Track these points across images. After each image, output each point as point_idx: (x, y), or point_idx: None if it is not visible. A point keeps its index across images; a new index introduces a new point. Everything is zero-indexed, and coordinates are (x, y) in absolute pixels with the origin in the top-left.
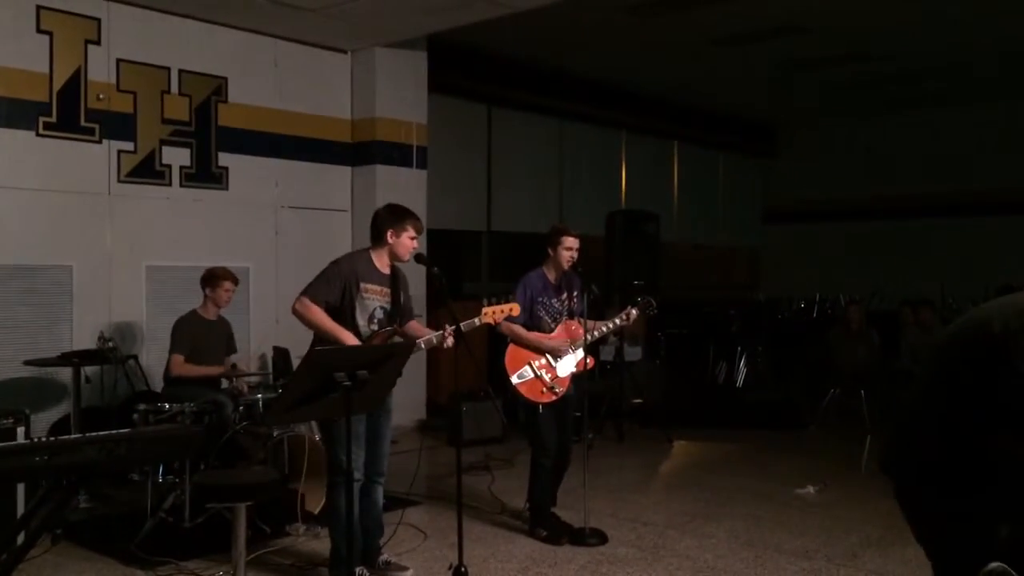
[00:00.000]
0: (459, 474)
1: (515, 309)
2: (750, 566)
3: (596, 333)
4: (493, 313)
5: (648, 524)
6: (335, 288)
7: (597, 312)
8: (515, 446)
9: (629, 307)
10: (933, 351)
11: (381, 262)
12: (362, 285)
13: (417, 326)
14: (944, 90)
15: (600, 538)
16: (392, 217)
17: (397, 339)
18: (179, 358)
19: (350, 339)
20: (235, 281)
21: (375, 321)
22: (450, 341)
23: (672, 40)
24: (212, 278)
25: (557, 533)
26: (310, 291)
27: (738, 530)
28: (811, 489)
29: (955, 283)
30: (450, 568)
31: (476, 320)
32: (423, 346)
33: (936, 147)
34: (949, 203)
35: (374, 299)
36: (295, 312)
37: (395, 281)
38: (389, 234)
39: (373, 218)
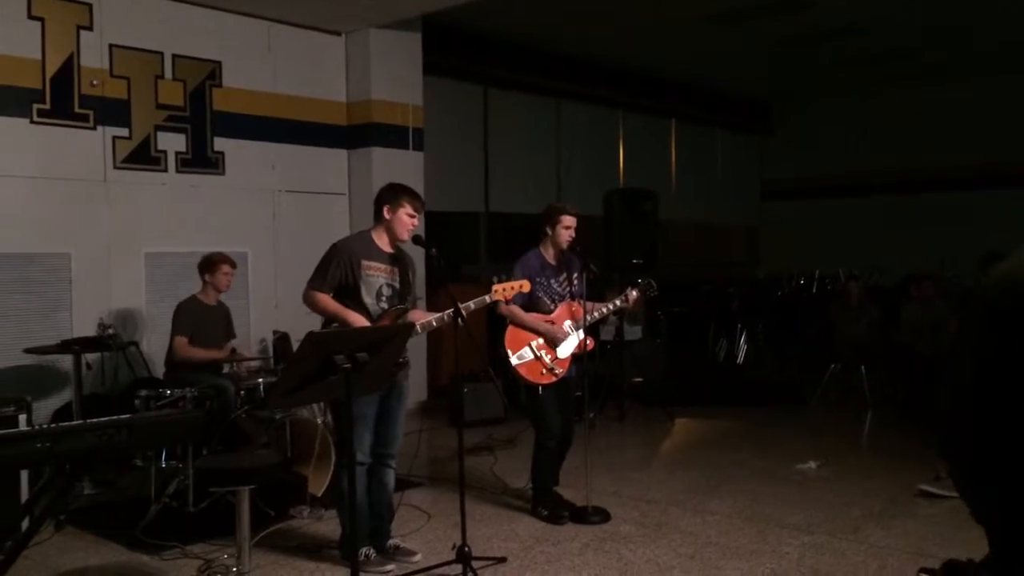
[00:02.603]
0: (461, 455)
1: (525, 286)
2: (752, 541)
3: (596, 314)
4: (503, 290)
5: (650, 501)
6: (336, 271)
7: (596, 291)
8: (517, 426)
9: (629, 288)
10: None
11: (382, 241)
12: (363, 263)
13: (418, 312)
14: (942, 64)
15: (603, 516)
16: (389, 193)
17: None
18: (182, 340)
19: (357, 320)
20: (232, 264)
21: (383, 299)
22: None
23: (668, 17)
24: (209, 264)
25: (559, 512)
26: (313, 281)
27: (740, 506)
28: (812, 464)
29: (955, 257)
30: (453, 548)
31: (486, 297)
32: (420, 330)
33: (934, 122)
34: (948, 177)
35: (378, 276)
36: (304, 303)
37: (400, 261)
38: (385, 210)
39: (376, 195)
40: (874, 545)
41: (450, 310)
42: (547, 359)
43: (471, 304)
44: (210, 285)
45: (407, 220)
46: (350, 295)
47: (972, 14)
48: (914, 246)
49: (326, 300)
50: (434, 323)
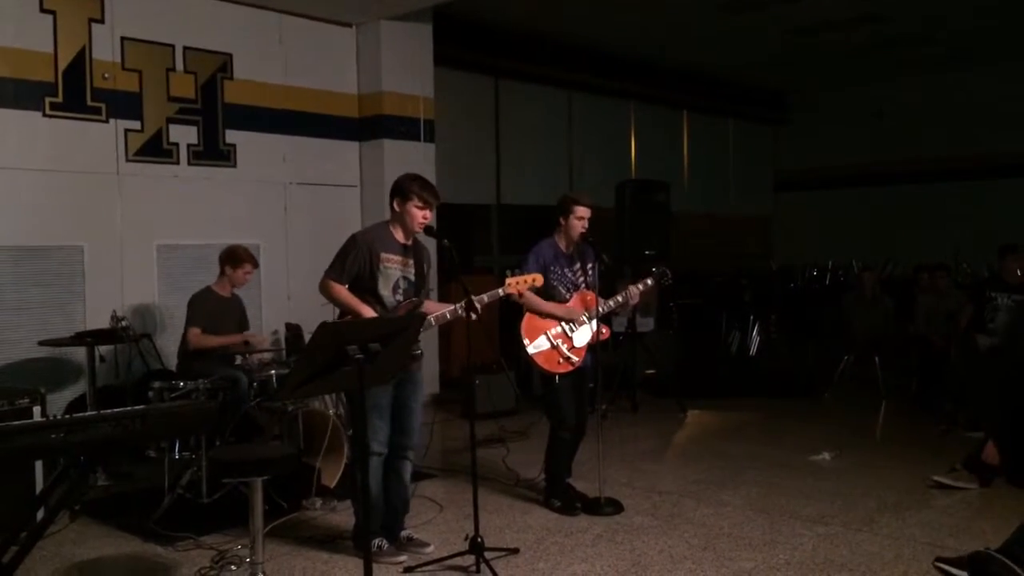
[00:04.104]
0: (473, 446)
1: (539, 279)
2: (766, 532)
3: (611, 303)
4: (516, 284)
5: (663, 493)
6: (354, 262)
7: (608, 282)
8: (529, 418)
9: (641, 279)
10: None
11: (399, 233)
12: (381, 255)
13: (430, 303)
14: (955, 52)
15: (615, 507)
16: (398, 186)
17: (429, 320)
18: (196, 330)
19: (370, 315)
20: (255, 265)
21: (400, 291)
22: (477, 311)
23: (680, 6)
24: (234, 258)
25: (571, 503)
26: (330, 271)
27: (753, 497)
28: (826, 456)
29: (969, 248)
30: (466, 539)
31: (499, 291)
32: (434, 323)
33: (950, 111)
34: (963, 167)
35: (395, 269)
36: (320, 291)
37: (417, 253)
38: (396, 203)
39: (391, 189)
40: (889, 536)
41: (454, 306)
42: (564, 348)
43: (484, 297)
44: (227, 278)
45: (416, 212)
46: (367, 287)
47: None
48: (928, 237)
49: (342, 291)
50: (448, 315)
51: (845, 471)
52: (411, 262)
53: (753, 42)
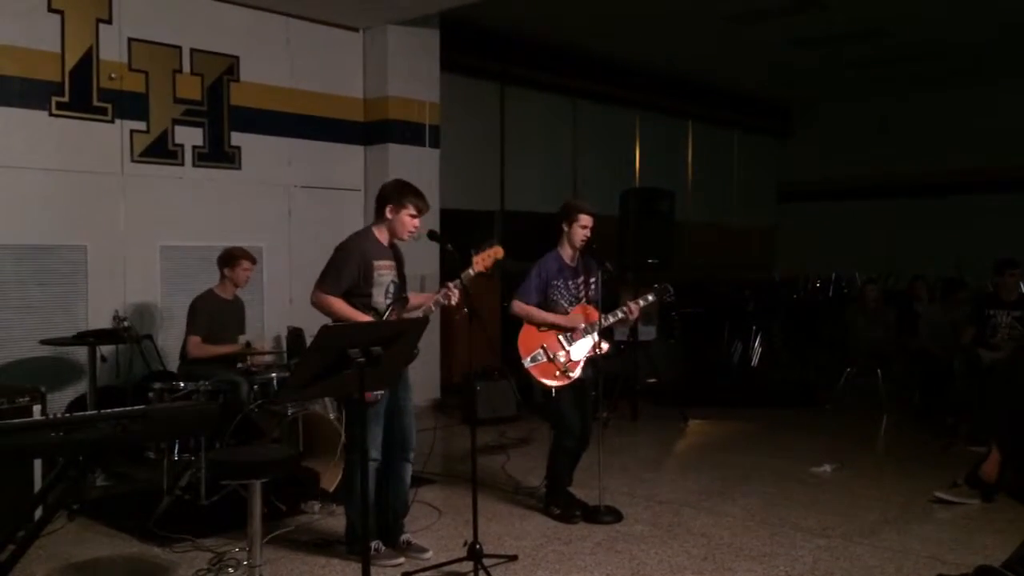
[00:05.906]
0: (474, 452)
1: (498, 252)
2: (766, 543)
3: (611, 318)
4: (483, 259)
5: (663, 502)
6: (349, 274)
7: (611, 290)
8: (529, 425)
9: (644, 293)
10: None
11: (383, 237)
12: (374, 263)
13: (413, 296)
14: (959, 66)
15: (615, 516)
16: (394, 192)
17: (416, 313)
18: (196, 339)
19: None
20: (252, 260)
21: (389, 295)
22: (455, 297)
23: (687, 17)
24: (230, 258)
25: (571, 511)
26: (324, 284)
27: (754, 508)
28: (827, 467)
29: (972, 261)
30: (465, 545)
31: (470, 270)
32: (434, 308)
33: (952, 124)
34: (965, 180)
35: (386, 274)
36: (313, 306)
37: (398, 254)
38: (388, 209)
39: (379, 191)
40: (889, 549)
41: (442, 290)
42: (561, 360)
43: (458, 282)
44: (228, 280)
45: (408, 221)
46: (361, 295)
47: (994, 17)
48: (931, 250)
49: (340, 304)
50: (432, 307)
51: (846, 483)
52: (396, 264)
53: (757, 53)
